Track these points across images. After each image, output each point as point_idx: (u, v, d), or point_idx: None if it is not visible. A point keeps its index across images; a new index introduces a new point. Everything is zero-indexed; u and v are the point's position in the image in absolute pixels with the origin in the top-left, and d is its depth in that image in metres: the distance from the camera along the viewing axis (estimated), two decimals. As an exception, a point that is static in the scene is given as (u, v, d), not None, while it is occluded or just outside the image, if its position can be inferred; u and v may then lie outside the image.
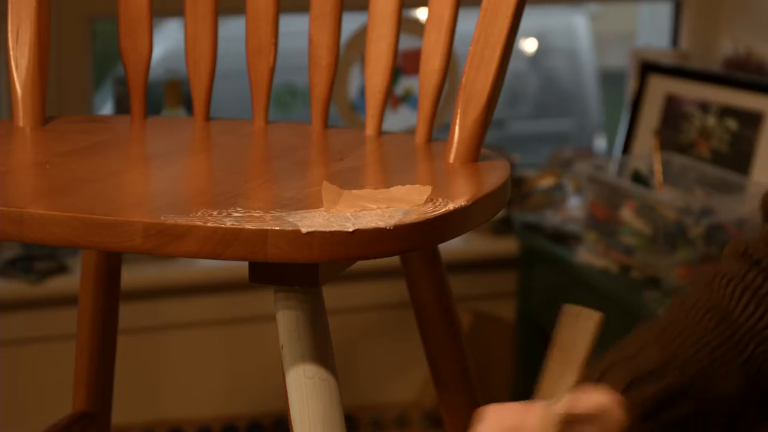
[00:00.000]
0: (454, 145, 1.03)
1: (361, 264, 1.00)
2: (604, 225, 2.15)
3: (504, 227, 2.40)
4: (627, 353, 0.95)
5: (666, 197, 2.07)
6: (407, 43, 2.12)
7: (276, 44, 1.16)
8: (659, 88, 2.36)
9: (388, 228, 0.82)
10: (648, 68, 2.38)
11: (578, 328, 0.94)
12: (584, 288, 2.13)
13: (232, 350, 2.35)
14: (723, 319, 0.99)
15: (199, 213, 0.83)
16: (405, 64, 2.40)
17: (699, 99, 2.28)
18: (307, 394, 0.86)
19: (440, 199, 0.89)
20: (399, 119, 2.41)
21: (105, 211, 0.83)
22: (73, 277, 2.18)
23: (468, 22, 1.08)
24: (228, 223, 0.81)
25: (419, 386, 2.42)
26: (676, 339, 0.98)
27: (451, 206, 0.88)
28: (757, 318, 0.99)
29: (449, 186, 0.96)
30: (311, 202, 0.87)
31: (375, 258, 0.83)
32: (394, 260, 1.06)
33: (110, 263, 1.21)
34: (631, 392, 0.93)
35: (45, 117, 1.14)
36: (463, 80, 1.03)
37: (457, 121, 1.03)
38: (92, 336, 1.23)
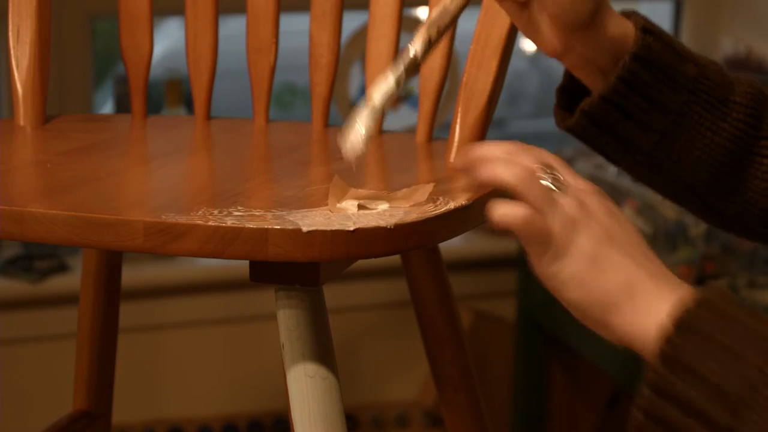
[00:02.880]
0: (455, 144, 1.03)
1: (361, 263, 1.00)
2: (604, 224, 2.15)
3: (504, 226, 2.40)
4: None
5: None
6: (407, 41, 2.10)
7: (276, 43, 1.16)
8: (659, 87, 2.35)
9: (388, 227, 0.82)
10: (648, 67, 2.37)
11: None
12: (584, 287, 2.12)
13: (233, 349, 2.35)
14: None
15: (200, 212, 0.83)
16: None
17: (699, 98, 2.28)
18: (308, 393, 0.86)
19: (441, 198, 0.89)
20: (399, 118, 2.41)
21: (106, 210, 0.83)
22: (73, 276, 2.18)
23: (469, 21, 1.08)
24: (229, 222, 0.81)
25: (420, 385, 2.42)
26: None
27: (451, 205, 0.88)
28: None
29: (450, 185, 0.96)
30: (312, 201, 0.87)
31: (376, 257, 0.83)
32: (395, 259, 1.06)
33: (111, 262, 1.21)
34: (646, 33, 0.95)
35: (45, 116, 1.14)
36: (464, 79, 1.03)
37: (458, 120, 1.03)
38: (93, 335, 1.23)
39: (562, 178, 0.83)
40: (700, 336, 0.76)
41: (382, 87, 0.89)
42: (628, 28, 0.97)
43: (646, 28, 0.96)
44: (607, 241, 0.80)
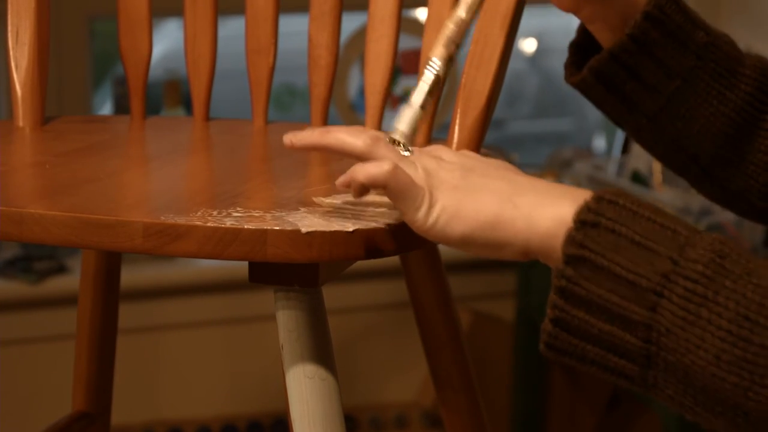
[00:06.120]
0: (454, 145, 1.03)
1: (360, 264, 1.00)
2: (603, 225, 2.15)
3: (503, 227, 2.40)
4: None
5: (665, 197, 2.07)
6: (407, 43, 2.11)
7: (275, 44, 1.16)
8: (658, 87, 2.35)
9: (387, 228, 0.82)
10: (647, 68, 2.37)
11: None
12: (584, 288, 2.12)
13: (232, 350, 2.35)
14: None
15: (199, 213, 0.83)
16: (404, 63, 2.40)
17: (698, 99, 2.28)
18: (307, 394, 0.86)
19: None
20: (398, 119, 2.41)
21: (105, 211, 0.83)
22: (72, 277, 2.18)
23: (467, 22, 1.09)
24: (228, 222, 0.81)
25: (419, 386, 2.42)
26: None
27: (450, 206, 0.87)
28: None
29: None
30: (311, 202, 0.87)
31: (375, 258, 0.83)
32: (394, 260, 1.06)
33: (110, 263, 1.21)
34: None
35: (45, 117, 1.14)
36: (463, 80, 1.03)
37: (457, 121, 1.03)
38: (92, 336, 1.23)
39: (406, 143, 0.84)
40: (605, 232, 0.73)
41: (407, 114, 0.90)
42: None
43: None
44: (467, 172, 0.80)
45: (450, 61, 0.92)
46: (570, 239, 0.74)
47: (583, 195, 0.76)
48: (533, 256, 0.78)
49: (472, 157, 0.83)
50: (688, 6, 0.99)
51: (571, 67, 1.03)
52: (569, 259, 0.73)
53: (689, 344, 0.71)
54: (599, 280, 0.73)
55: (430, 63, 0.91)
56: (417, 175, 0.80)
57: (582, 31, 1.02)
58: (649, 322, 0.72)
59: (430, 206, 0.79)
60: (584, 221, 0.74)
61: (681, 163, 1.03)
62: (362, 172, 0.79)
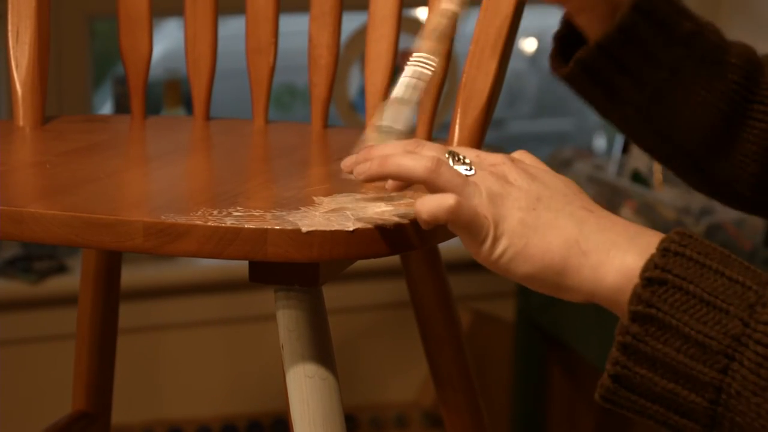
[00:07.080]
0: (454, 145, 1.03)
1: (360, 264, 1.00)
2: (603, 225, 2.15)
3: (503, 227, 2.40)
4: None
5: (665, 197, 2.07)
6: (407, 43, 2.11)
7: (276, 44, 1.16)
8: (659, 87, 2.35)
9: (388, 227, 0.82)
10: (647, 68, 2.37)
11: None
12: (584, 288, 2.12)
13: (232, 350, 2.35)
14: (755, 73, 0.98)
15: (200, 212, 0.83)
16: (405, 63, 2.39)
17: (698, 99, 2.28)
18: (307, 394, 0.86)
19: (440, 199, 0.89)
20: (398, 119, 2.41)
21: (105, 211, 0.83)
22: (72, 276, 2.18)
23: (468, 21, 1.08)
24: (228, 222, 0.81)
25: (419, 386, 2.42)
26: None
27: (451, 206, 0.87)
28: None
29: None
30: (311, 202, 0.87)
31: (375, 257, 0.83)
32: (394, 259, 1.06)
33: (110, 263, 1.21)
34: None
35: (45, 116, 1.14)
36: (463, 80, 1.03)
37: (457, 121, 1.03)
38: (92, 336, 1.23)
39: (468, 159, 0.80)
40: (673, 290, 0.71)
41: (400, 110, 0.89)
42: None
43: None
44: (535, 204, 0.76)
45: (446, 57, 0.90)
46: (637, 297, 0.72)
47: (650, 241, 0.74)
48: (597, 303, 0.76)
49: (537, 176, 0.79)
50: None
51: (556, 58, 1.02)
52: (636, 317, 0.71)
53: (760, 409, 0.69)
54: (667, 338, 0.71)
55: (420, 59, 0.90)
56: (481, 202, 0.76)
57: (566, 22, 1.02)
58: (719, 384, 0.70)
59: (495, 240, 0.76)
60: (651, 278, 0.72)
61: (668, 153, 1.02)
62: (424, 210, 0.76)
